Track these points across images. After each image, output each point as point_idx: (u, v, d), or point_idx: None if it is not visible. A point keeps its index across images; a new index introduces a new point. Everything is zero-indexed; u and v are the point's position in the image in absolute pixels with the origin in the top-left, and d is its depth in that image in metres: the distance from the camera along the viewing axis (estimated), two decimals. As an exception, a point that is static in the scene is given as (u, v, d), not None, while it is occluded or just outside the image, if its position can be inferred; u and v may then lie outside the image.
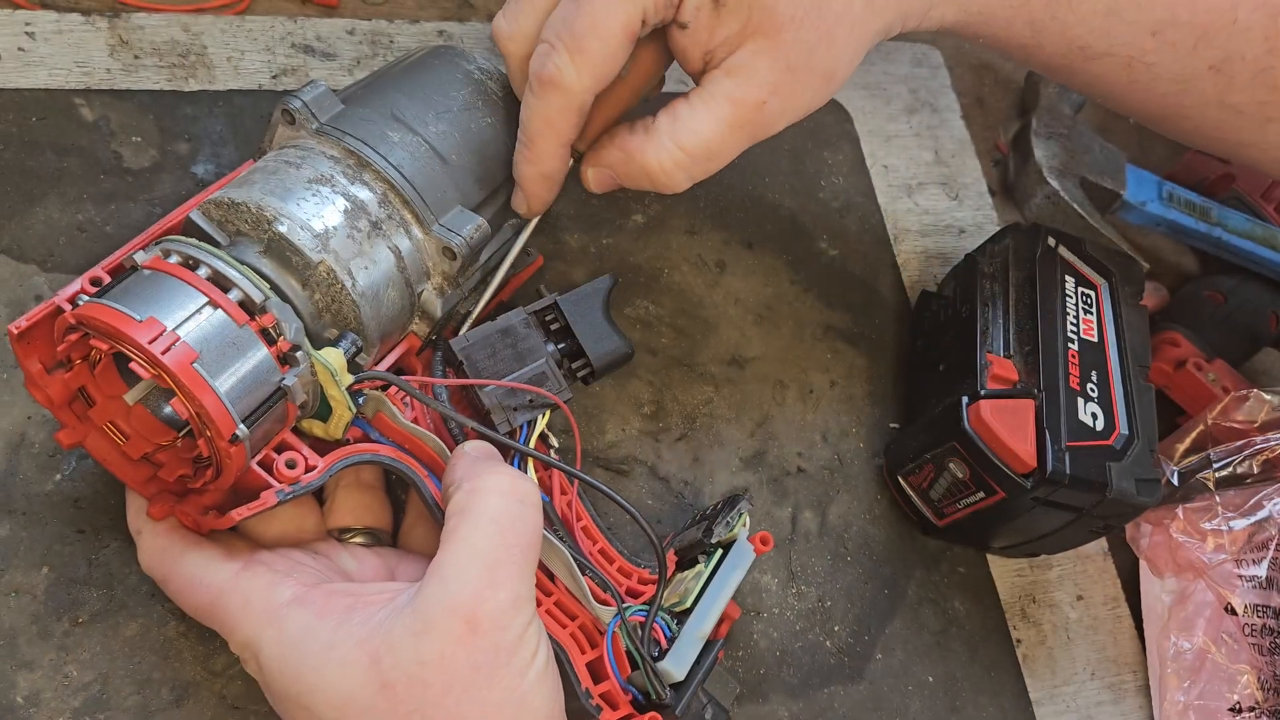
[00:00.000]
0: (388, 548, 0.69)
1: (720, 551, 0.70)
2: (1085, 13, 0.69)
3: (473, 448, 0.62)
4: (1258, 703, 0.84)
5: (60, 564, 0.65)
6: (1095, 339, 0.82)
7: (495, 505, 0.56)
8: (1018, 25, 0.70)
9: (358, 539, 0.68)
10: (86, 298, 0.54)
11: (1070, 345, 0.81)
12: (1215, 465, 0.90)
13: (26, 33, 0.79)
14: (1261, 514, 0.87)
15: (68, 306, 0.54)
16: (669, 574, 0.70)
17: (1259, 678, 0.84)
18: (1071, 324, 0.82)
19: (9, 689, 0.62)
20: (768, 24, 0.61)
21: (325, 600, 0.56)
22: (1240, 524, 0.87)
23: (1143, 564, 0.90)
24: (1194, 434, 0.93)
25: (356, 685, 0.53)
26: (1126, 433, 0.78)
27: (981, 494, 0.78)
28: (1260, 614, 0.85)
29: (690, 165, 0.66)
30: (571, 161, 0.69)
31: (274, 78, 0.85)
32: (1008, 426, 0.75)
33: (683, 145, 0.65)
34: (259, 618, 0.56)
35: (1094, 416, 0.78)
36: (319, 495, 0.69)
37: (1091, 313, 0.84)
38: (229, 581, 0.57)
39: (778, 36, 0.62)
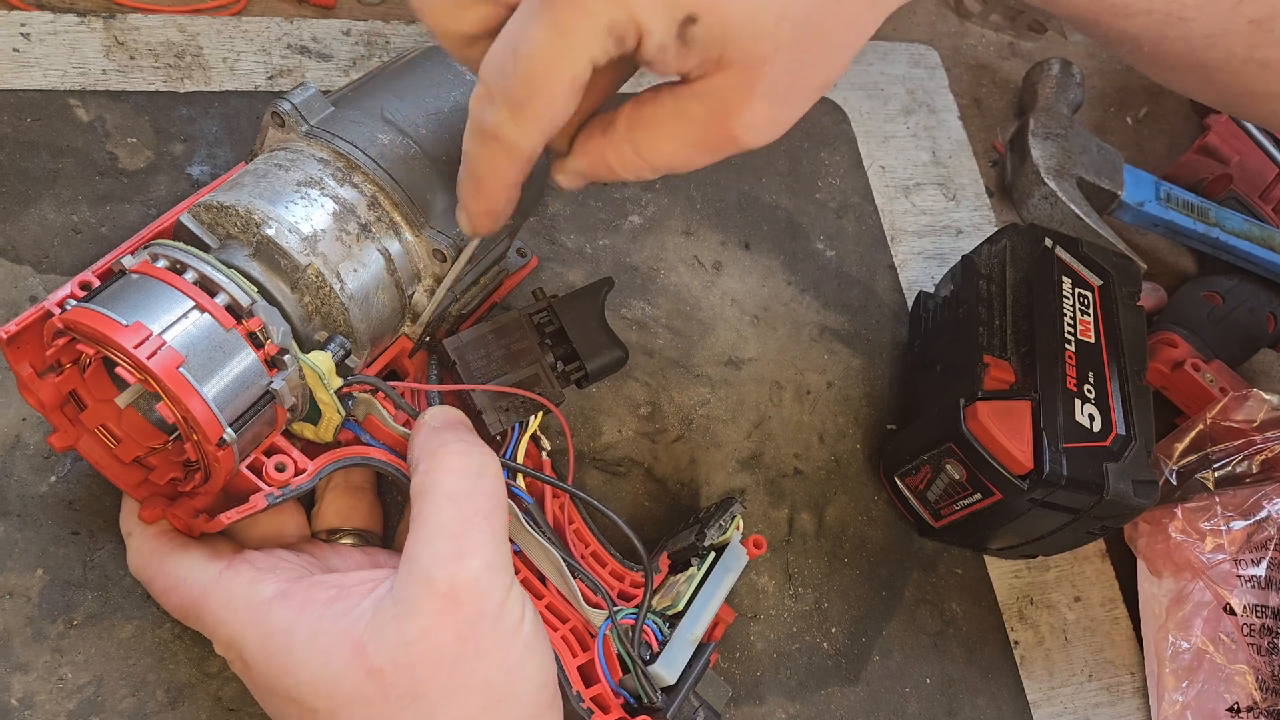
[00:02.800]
0: (378, 548, 0.69)
1: (713, 555, 0.71)
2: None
3: (431, 416, 0.62)
4: (1256, 703, 0.84)
5: (55, 566, 0.65)
6: (1092, 340, 0.82)
7: (450, 482, 0.56)
8: None
9: (347, 540, 0.68)
10: (75, 302, 0.54)
11: (1067, 346, 0.81)
12: (1214, 465, 0.90)
13: (22, 33, 0.79)
14: (1260, 514, 0.87)
15: (57, 310, 0.55)
16: (661, 576, 0.70)
17: (1257, 678, 0.84)
18: (1069, 325, 0.82)
19: (4, 692, 0.62)
20: (745, 58, 0.51)
21: (308, 594, 0.56)
22: (1239, 524, 0.87)
23: (1140, 564, 0.90)
24: (1193, 434, 0.93)
25: (343, 673, 0.53)
26: (1124, 434, 0.77)
27: (978, 495, 0.77)
28: (1259, 614, 0.85)
29: (653, 172, 0.57)
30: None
31: (270, 78, 0.85)
32: (1005, 428, 0.75)
33: (642, 154, 0.56)
34: (242, 615, 0.56)
35: (1091, 418, 0.77)
36: (308, 497, 0.69)
37: (1089, 314, 0.84)
38: (212, 581, 0.58)
39: (759, 70, 0.51)
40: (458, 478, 0.57)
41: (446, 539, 0.54)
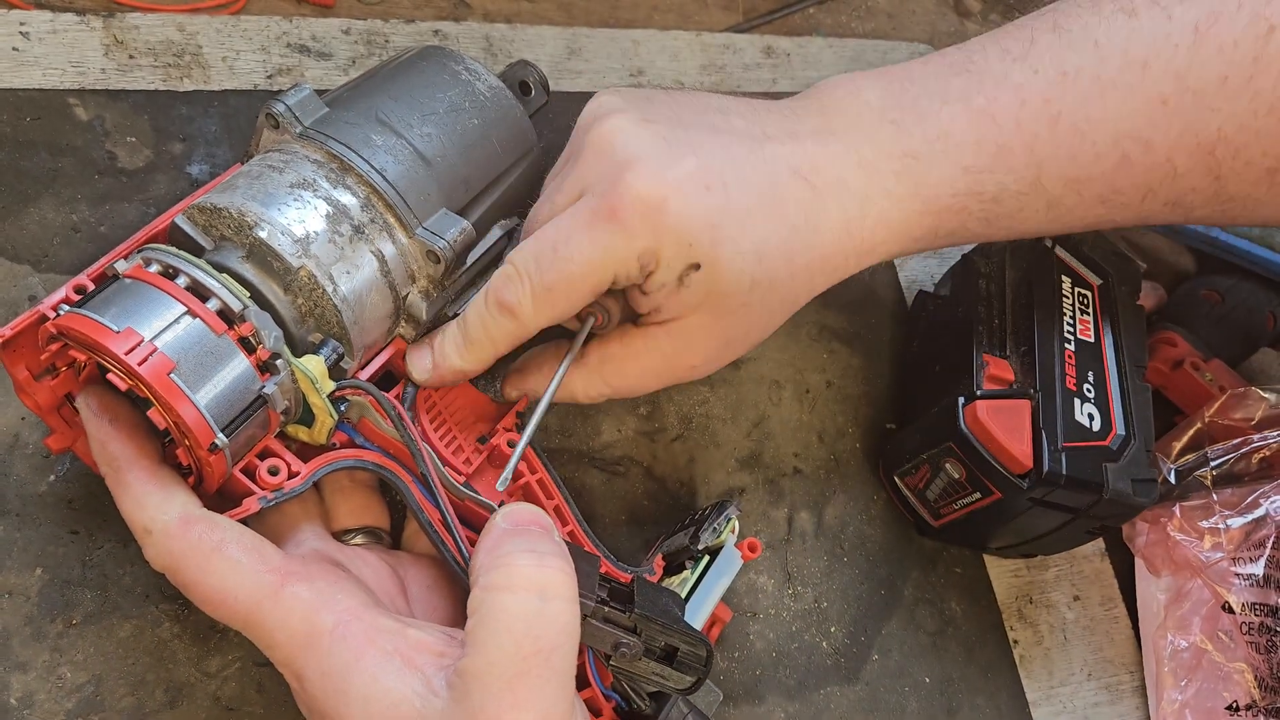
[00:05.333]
0: (390, 550, 0.69)
1: (707, 558, 0.70)
2: (1027, 217, 0.70)
3: (503, 517, 0.58)
4: (1255, 701, 0.84)
5: (54, 565, 0.65)
6: (1092, 339, 0.82)
7: (511, 608, 0.52)
8: (963, 234, 0.72)
9: (358, 539, 0.68)
10: (69, 307, 0.54)
11: (1067, 345, 0.81)
12: (1212, 463, 0.90)
13: (21, 32, 0.79)
14: (1258, 512, 0.87)
15: (51, 314, 0.55)
16: (656, 579, 0.70)
17: (1256, 676, 0.84)
18: (1068, 324, 0.82)
19: (3, 691, 0.62)
20: (720, 305, 0.64)
21: (367, 639, 0.54)
22: (1237, 522, 0.87)
23: (1139, 562, 0.90)
24: (1191, 432, 0.93)
25: None
26: (1123, 433, 0.77)
27: (978, 494, 0.77)
28: (1257, 612, 0.85)
29: (612, 395, 0.70)
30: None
31: (269, 78, 0.85)
32: (1004, 427, 0.75)
33: (610, 383, 0.69)
34: (299, 644, 0.54)
35: (1090, 417, 0.77)
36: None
37: (1088, 313, 0.84)
38: (268, 599, 0.55)
39: (726, 317, 0.66)
40: (519, 600, 0.53)
41: (500, 684, 0.51)
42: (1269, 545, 0.86)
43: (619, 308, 0.68)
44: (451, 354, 0.65)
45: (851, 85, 0.70)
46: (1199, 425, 0.92)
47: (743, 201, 0.63)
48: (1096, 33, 0.66)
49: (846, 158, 0.66)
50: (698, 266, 0.62)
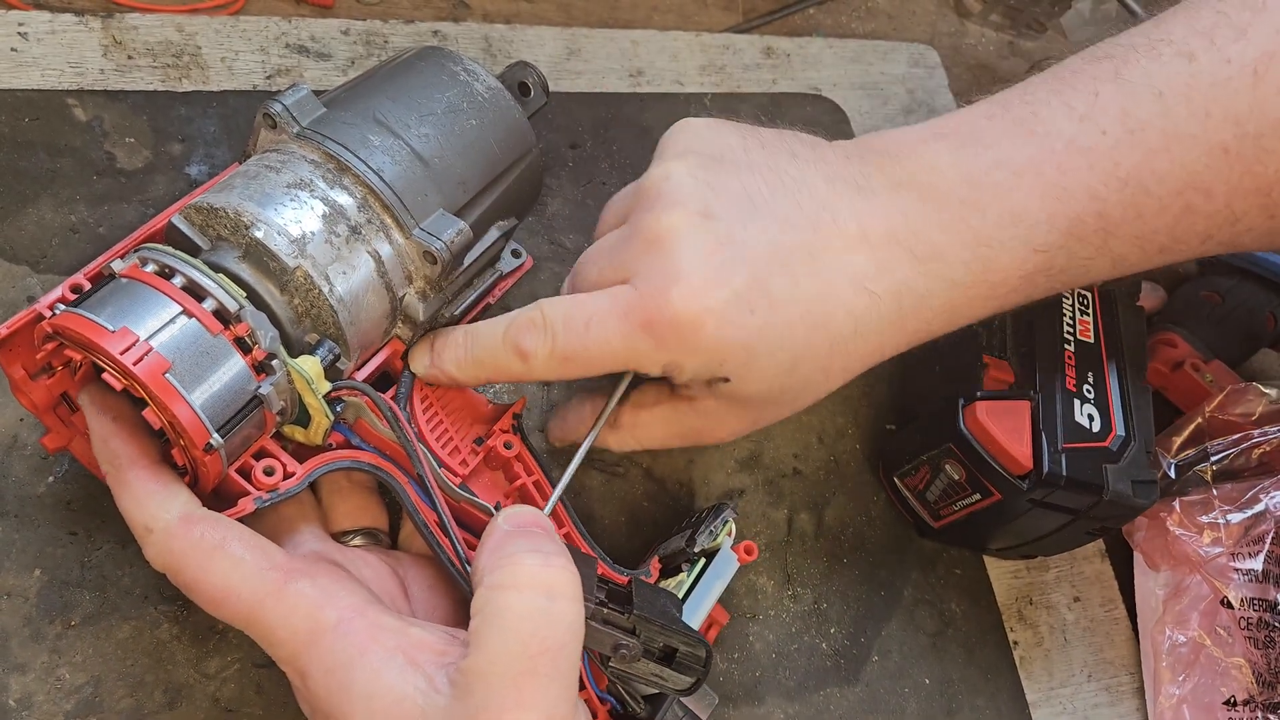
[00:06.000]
0: (389, 550, 0.69)
1: (704, 560, 0.70)
2: (1092, 275, 0.70)
3: (505, 518, 0.58)
4: (1252, 696, 0.84)
5: (52, 566, 0.65)
6: (1092, 340, 0.82)
7: (516, 607, 0.52)
8: (1025, 300, 0.70)
9: (356, 540, 0.68)
10: (64, 306, 0.54)
11: (1067, 346, 0.81)
12: (1212, 458, 0.90)
13: (19, 33, 0.79)
14: (1258, 507, 0.87)
15: (47, 314, 0.55)
16: (653, 580, 0.70)
17: (1254, 671, 0.84)
18: (1068, 325, 0.82)
19: (2, 692, 0.62)
20: (743, 396, 0.66)
21: (369, 636, 0.54)
22: (1236, 517, 0.87)
23: (1137, 557, 0.90)
24: (1191, 427, 0.93)
25: None
26: (1123, 434, 0.77)
27: (978, 495, 0.77)
28: (1256, 607, 0.85)
29: (640, 449, 0.75)
30: None
31: (268, 78, 0.85)
32: (1004, 428, 0.75)
33: (640, 440, 0.73)
34: (303, 641, 0.54)
35: (1090, 418, 0.77)
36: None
37: (1088, 313, 0.83)
38: (271, 596, 0.55)
39: (753, 411, 0.69)
40: (524, 600, 0.52)
41: (505, 684, 0.50)
42: (1268, 541, 0.86)
43: None
44: (450, 364, 0.66)
45: (927, 156, 0.67)
46: (1199, 421, 0.92)
47: (786, 317, 0.63)
48: (1159, 82, 0.65)
49: (915, 251, 0.65)
50: (726, 380, 0.64)
